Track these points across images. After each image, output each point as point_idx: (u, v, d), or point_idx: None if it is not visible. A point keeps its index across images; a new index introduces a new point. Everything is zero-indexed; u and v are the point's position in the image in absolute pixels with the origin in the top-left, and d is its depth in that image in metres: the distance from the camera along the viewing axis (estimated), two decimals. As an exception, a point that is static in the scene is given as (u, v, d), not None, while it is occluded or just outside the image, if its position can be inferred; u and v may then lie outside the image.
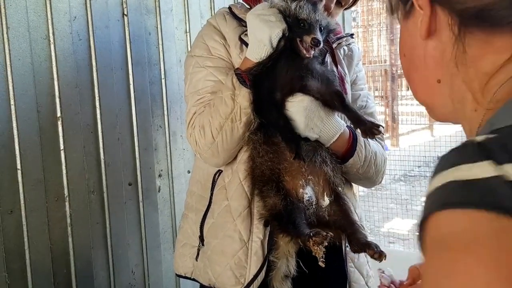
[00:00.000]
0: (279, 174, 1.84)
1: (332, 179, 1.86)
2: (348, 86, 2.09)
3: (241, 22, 2.01)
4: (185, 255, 2.13)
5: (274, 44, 1.79)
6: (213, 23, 2.04)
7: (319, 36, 1.75)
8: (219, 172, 2.02)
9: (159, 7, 2.91)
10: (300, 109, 1.83)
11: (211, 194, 2.04)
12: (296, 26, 1.78)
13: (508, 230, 0.65)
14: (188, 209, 2.15)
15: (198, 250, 2.08)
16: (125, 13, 2.77)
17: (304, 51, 1.76)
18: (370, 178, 2.08)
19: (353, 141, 1.95)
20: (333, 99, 1.86)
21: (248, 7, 2.08)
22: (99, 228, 2.77)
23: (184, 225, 2.16)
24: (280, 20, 1.78)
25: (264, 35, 1.78)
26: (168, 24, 2.98)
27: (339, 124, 1.90)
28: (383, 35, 8.50)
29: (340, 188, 1.90)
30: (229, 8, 2.08)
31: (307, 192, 1.82)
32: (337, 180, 1.88)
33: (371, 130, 1.84)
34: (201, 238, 2.06)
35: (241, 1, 2.13)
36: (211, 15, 3.08)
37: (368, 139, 1.97)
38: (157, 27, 2.92)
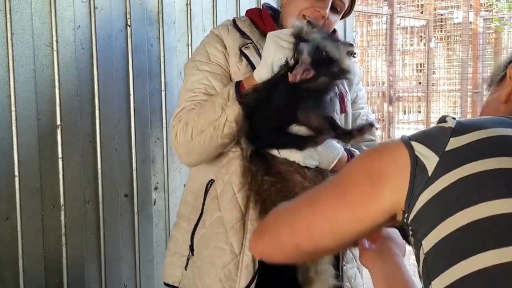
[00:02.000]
0: None
1: None
2: (348, 104, 2.10)
3: (243, 35, 2.04)
4: (174, 263, 2.12)
5: (275, 70, 1.78)
6: (216, 32, 2.07)
7: (303, 46, 1.69)
8: (211, 181, 2.02)
9: (162, 18, 2.92)
10: None
11: (203, 204, 2.03)
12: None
13: (396, 149, 1.06)
14: (180, 218, 2.15)
15: (188, 259, 2.06)
16: (129, 23, 2.77)
17: (291, 75, 1.69)
18: None
19: None
20: (324, 125, 1.84)
21: (252, 21, 2.11)
22: (93, 239, 2.75)
23: (176, 234, 2.15)
24: (290, 47, 1.77)
25: (269, 57, 1.80)
26: (170, 36, 2.99)
27: (336, 148, 1.91)
28: (381, 57, 8.54)
29: None
30: (233, 20, 2.11)
31: None
32: None
33: (362, 131, 1.85)
34: (191, 248, 2.05)
35: (245, 15, 2.17)
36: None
37: None
38: (159, 39, 2.93)
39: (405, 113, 9.81)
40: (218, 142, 1.91)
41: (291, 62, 1.75)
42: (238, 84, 1.89)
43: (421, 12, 9.61)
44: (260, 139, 1.84)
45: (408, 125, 9.77)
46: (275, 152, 1.84)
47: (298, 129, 1.82)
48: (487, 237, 0.93)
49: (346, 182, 1.13)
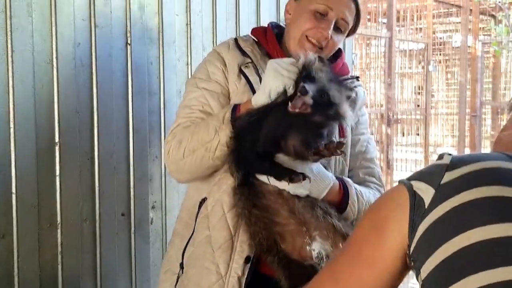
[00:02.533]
0: (277, 243, 1.82)
1: (341, 230, 1.81)
2: (348, 129, 2.08)
3: (244, 54, 2.05)
4: (166, 281, 2.10)
5: (272, 97, 1.78)
6: (217, 50, 2.09)
7: (309, 87, 1.67)
8: (205, 199, 2.01)
9: (163, 38, 2.94)
10: None
11: (196, 222, 2.02)
12: (305, 79, 1.73)
13: (396, 192, 1.11)
14: (175, 235, 2.13)
15: (178, 277, 2.04)
16: (129, 42, 2.79)
17: (291, 105, 1.67)
18: None
19: (344, 192, 1.94)
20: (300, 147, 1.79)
21: (255, 40, 2.12)
22: (89, 258, 2.73)
23: (170, 250, 2.14)
24: (290, 77, 1.77)
25: (267, 84, 1.80)
26: (170, 56, 3.00)
27: (327, 177, 1.89)
28: (380, 79, 8.57)
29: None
30: (235, 39, 2.12)
31: (315, 248, 1.79)
32: (347, 228, 1.82)
33: (329, 148, 1.74)
34: (182, 266, 2.03)
35: (249, 34, 2.16)
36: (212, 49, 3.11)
37: (362, 192, 1.98)
38: (159, 58, 2.94)
39: (403, 135, 9.82)
40: (209, 163, 1.92)
41: (290, 91, 1.75)
42: (235, 108, 1.90)
43: (420, 36, 9.66)
44: (245, 163, 1.82)
45: (406, 147, 9.77)
46: (264, 179, 1.82)
47: (282, 158, 1.79)
48: (478, 260, 0.96)
49: (357, 243, 1.16)
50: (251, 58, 2.04)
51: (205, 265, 1.93)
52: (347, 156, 2.08)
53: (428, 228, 1.03)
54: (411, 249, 1.05)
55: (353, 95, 1.96)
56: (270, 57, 2.06)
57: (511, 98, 1.42)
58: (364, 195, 1.99)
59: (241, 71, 2.01)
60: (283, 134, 1.76)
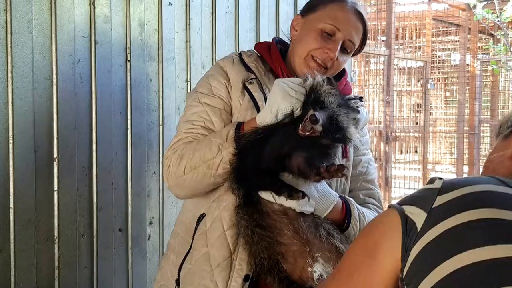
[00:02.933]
0: (278, 264, 1.79)
1: (343, 252, 1.79)
2: (351, 150, 2.07)
3: (248, 69, 2.02)
4: None
5: (279, 117, 1.75)
6: (220, 64, 2.05)
7: (319, 116, 1.65)
8: (203, 215, 1.98)
9: (162, 55, 2.96)
10: None
11: (193, 238, 1.99)
12: (313, 103, 1.71)
13: (387, 216, 1.15)
14: (170, 250, 2.09)
15: None
16: (128, 58, 2.80)
17: (301, 128, 1.66)
18: None
19: (346, 211, 1.93)
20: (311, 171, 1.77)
21: (259, 55, 2.09)
22: (86, 273, 2.73)
23: (164, 265, 2.10)
24: (298, 98, 1.75)
25: (275, 103, 1.77)
26: (170, 72, 3.02)
27: (331, 195, 1.88)
28: (378, 96, 8.59)
29: None
30: (240, 54, 2.09)
31: (316, 270, 1.76)
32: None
33: (330, 171, 1.71)
34: (177, 282, 1.99)
35: (253, 49, 2.14)
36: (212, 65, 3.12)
37: (363, 212, 1.98)
38: (158, 74, 2.96)
39: (401, 153, 9.83)
40: (210, 180, 1.89)
41: (297, 112, 1.73)
42: (239, 127, 1.87)
43: (419, 54, 9.70)
44: (246, 179, 1.81)
45: (404, 165, 9.77)
46: (270, 198, 1.80)
47: (286, 177, 1.78)
48: (472, 282, 0.97)
49: (348, 268, 1.17)
50: (255, 74, 2.02)
51: (203, 283, 1.90)
52: (349, 176, 2.08)
53: (421, 251, 1.04)
54: (404, 272, 1.07)
55: (358, 116, 1.97)
56: (274, 73, 2.05)
57: (498, 123, 1.42)
58: (365, 215, 1.98)
59: (245, 87, 1.98)
60: (288, 153, 1.74)
